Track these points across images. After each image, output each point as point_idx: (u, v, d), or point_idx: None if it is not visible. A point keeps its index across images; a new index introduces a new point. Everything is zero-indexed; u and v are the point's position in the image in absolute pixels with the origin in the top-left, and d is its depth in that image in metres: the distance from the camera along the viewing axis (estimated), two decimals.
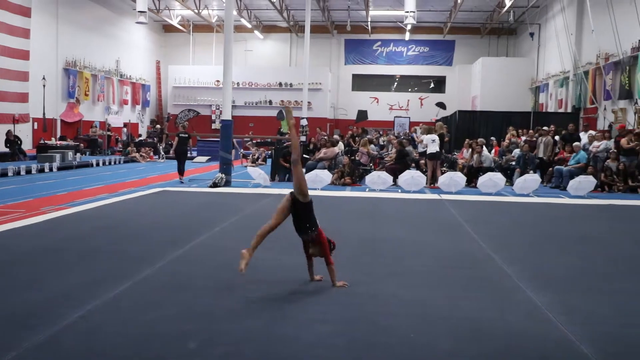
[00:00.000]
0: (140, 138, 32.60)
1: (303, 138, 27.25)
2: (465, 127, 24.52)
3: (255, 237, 5.70)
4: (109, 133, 30.25)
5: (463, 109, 29.94)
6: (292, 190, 5.78)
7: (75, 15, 29.63)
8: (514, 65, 34.63)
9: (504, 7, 30.20)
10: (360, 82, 40.60)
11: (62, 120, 28.60)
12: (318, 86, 36.95)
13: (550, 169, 17.60)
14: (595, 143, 17.43)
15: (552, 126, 19.72)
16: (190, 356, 4.11)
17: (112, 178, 17.85)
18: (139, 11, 28.42)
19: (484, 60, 34.44)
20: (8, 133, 22.49)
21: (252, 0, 34.31)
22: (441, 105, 32.60)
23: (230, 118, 16.43)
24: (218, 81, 35.67)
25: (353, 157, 18.68)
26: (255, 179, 16.21)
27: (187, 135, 17.68)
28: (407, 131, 31.85)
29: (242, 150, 26.68)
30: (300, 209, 5.73)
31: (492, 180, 15.40)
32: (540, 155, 18.28)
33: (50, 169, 19.57)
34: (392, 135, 26.52)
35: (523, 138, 19.81)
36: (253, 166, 21.17)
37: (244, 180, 17.17)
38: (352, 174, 17.13)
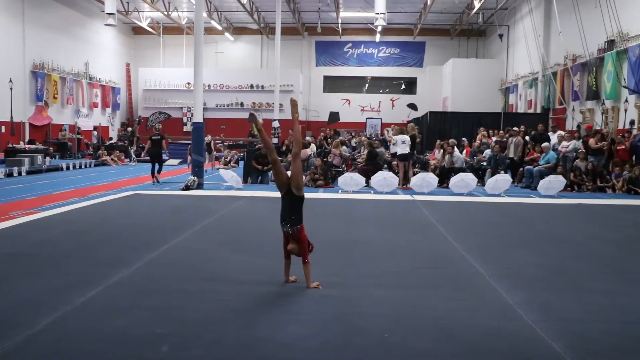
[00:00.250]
0: (111, 141, 32.24)
1: (275, 140, 27.24)
2: (437, 128, 24.67)
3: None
4: (78, 136, 29.92)
5: (434, 110, 30.11)
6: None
7: (42, 16, 29.20)
8: (484, 66, 34.98)
9: (473, 8, 30.47)
10: (332, 84, 40.65)
11: (30, 124, 28.14)
12: (289, 88, 36.87)
13: (521, 169, 17.81)
14: (564, 143, 17.68)
15: (522, 127, 19.92)
16: (163, 359, 4.09)
17: (82, 182, 17.64)
18: (107, 13, 28.09)
19: (455, 62, 34.73)
20: None
21: (222, 2, 34.16)
22: (412, 106, 32.78)
23: (201, 120, 16.35)
24: (189, 83, 35.42)
25: (325, 159, 18.71)
26: (228, 182, 16.15)
27: (160, 138, 17.57)
28: (379, 132, 32.02)
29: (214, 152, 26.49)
30: (291, 200, 5.85)
31: (463, 180, 15.53)
32: (511, 155, 18.48)
33: (19, 173, 19.26)
34: (364, 137, 26.60)
35: (494, 139, 20.00)
36: (225, 169, 21.09)
37: (216, 183, 17.09)
38: (325, 176, 17.15)
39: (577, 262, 7.33)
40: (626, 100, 18.80)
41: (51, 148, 26.65)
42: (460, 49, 38.99)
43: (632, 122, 18.35)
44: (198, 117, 16.25)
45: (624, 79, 18.79)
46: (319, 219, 10.41)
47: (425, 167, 18.74)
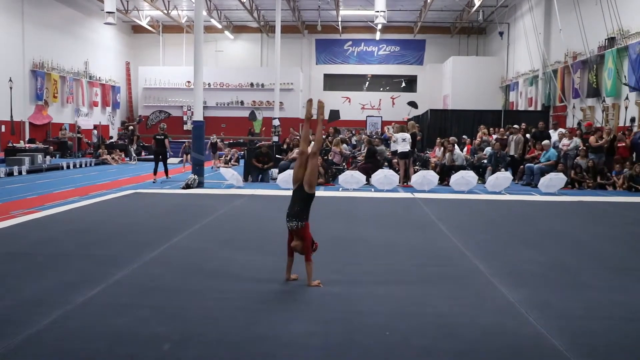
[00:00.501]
0: (111, 140, 32.24)
1: (275, 138, 27.24)
2: (437, 125, 24.66)
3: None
4: (79, 135, 29.92)
5: (435, 107, 30.10)
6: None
7: (42, 15, 29.18)
8: (484, 64, 34.97)
9: (474, 6, 30.46)
10: (332, 82, 40.63)
11: (30, 123, 28.14)
12: (290, 86, 36.90)
13: (522, 166, 17.81)
14: (565, 141, 17.66)
15: (522, 124, 19.92)
16: (163, 358, 4.09)
17: (83, 181, 17.65)
18: (107, 12, 28.05)
19: (455, 60, 34.73)
20: None
21: (222, 1, 34.12)
22: (413, 104, 32.73)
23: (202, 119, 16.35)
24: (189, 82, 35.41)
25: (326, 157, 18.71)
26: (228, 180, 16.14)
27: (163, 137, 17.69)
28: (379, 130, 31.99)
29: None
30: (300, 196, 5.87)
31: (464, 178, 15.52)
32: (512, 153, 18.47)
33: (20, 172, 19.27)
34: (364, 135, 26.59)
35: (494, 136, 19.99)
36: (226, 167, 21.09)
37: (216, 182, 17.09)
38: (326, 174, 17.15)
39: (578, 260, 7.33)
40: (627, 98, 18.79)
41: (51, 147, 26.65)
42: (461, 47, 38.95)
43: (632, 120, 18.34)
44: (198, 116, 16.24)
45: (625, 77, 18.78)
46: (320, 217, 10.39)
47: (425, 164, 18.74)
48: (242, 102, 37.68)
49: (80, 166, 23.35)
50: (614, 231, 9.61)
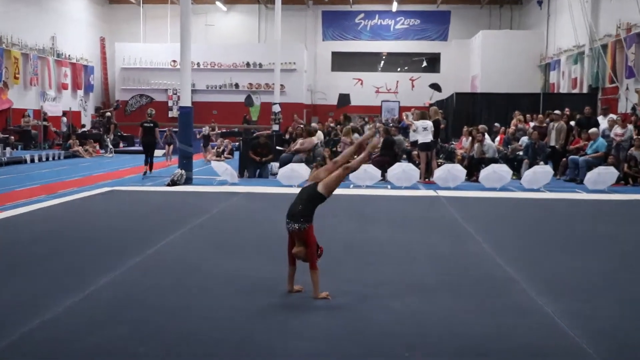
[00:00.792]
0: (84, 129, 32.30)
1: (276, 127, 27.26)
2: (464, 111, 24.63)
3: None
4: (45, 123, 29.94)
5: (461, 90, 30.07)
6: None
7: None
8: (520, 39, 34.80)
9: None
10: (341, 61, 40.58)
11: None
12: (292, 66, 36.88)
13: (564, 159, 17.75)
14: (617, 129, 17.55)
15: (565, 109, 19.85)
16: None
17: (50, 176, 17.68)
18: None
19: (485, 34, 34.62)
20: None
21: None
22: (436, 87, 32.71)
23: (189, 104, 16.38)
24: (174, 61, 35.42)
25: (334, 149, 18.70)
26: (221, 176, 16.16)
27: (152, 125, 17.74)
28: (396, 117, 31.96)
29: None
30: (309, 194, 5.92)
31: (496, 173, 15.49)
32: (552, 143, 18.41)
33: None
34: (379, 123, 26.57)
35: (532, 124, 19.95)
36: (218, 160, 21.11)
37: (207, 177, 17.11)
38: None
39: (630, 269, 7.31)
40: None
41: (12, 137, 26.71)
42: (492, 19, 38.86)
43: None
44: (185, 101, 16.27)
45: None
46: (328, 218, 10.39)
47: (451, 157, 18.72)
48: (236, 85, 37.72)
49: (47, 159, 23.41)
50: None
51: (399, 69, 40.57)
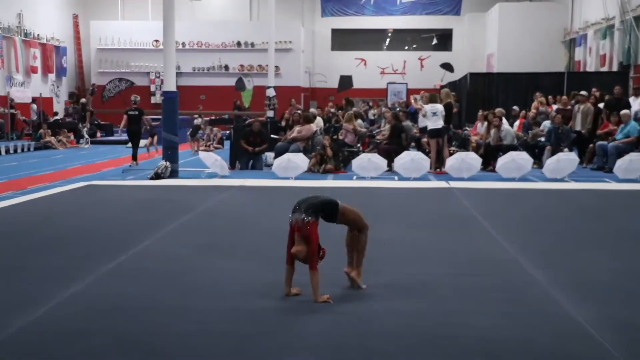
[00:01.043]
0: (56, 117, 32.27)
1: (270, 113, 27.24)
2: (479, 94, 24.61)
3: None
4: (12, 111, 29.87)
5: (475, 70, 30.03)
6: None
7: None
8: (541, 12, 34.70)
9: None
10: (342, 40, 40.52)
11: None
12: (288, 46, 36.79)
13: (591, 145, 17.74)
14: None
15: (593, 90, 19.81)
16: None
17: (19, 170, 17.69)
18: None
19: (502, 7, 34.53)
20: None
21: None
22: (447, 66, 32.74)
23: (174, 89, 16.37)
24: (157, 41, 35.39)
25: (335, 137, 18.69)
26: (210, 168, 16.16)
27: (137, 113, 17.77)
28: (404, 100, 31.96)
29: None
30: (331, 201, 6.11)
31: (515, 161, 15.50)
32: (578, 128, 18.38)
33: None
34: (384, 107, 26.56)
35: (555, 107, 19.94)
36: (207, 151, 21.10)
37: (195, 170, 17.11)
38: (335, 158, 17.14)
39: None
40: None
41: None
42: None
43: None
44: (170, 85, 16.26)
45: None
46: None
47: (464, 144, 18.72)
48: (226, 67, 37.68)
49: (15, 151, 23.42)
50: None
51: (406, 48, 40.51)
